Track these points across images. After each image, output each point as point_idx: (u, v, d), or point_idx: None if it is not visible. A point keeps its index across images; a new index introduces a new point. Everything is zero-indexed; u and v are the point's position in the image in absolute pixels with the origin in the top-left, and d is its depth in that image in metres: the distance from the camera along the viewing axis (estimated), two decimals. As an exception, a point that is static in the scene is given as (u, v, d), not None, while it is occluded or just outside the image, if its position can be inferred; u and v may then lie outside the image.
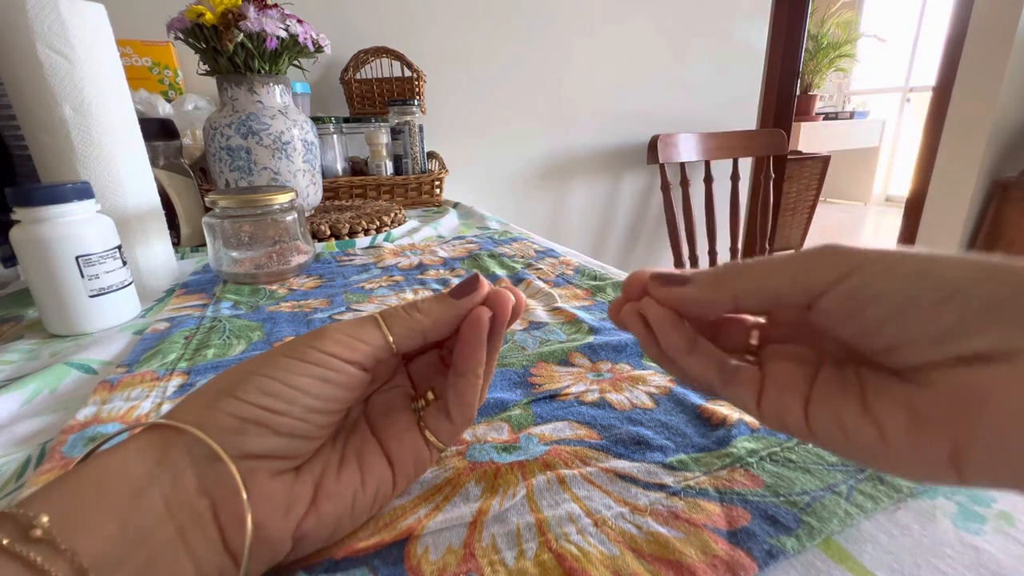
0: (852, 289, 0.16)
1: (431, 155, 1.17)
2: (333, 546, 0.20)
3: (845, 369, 0.19)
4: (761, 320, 0.22)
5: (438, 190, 1.03)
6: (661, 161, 1.39)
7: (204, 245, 0.70)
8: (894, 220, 2.42)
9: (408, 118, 0.98)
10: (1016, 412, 0.13)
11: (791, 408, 0.18)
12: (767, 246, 1.53)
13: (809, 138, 2.89)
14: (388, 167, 1.02)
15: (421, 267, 0.60)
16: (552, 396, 0.31)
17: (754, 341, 0.22)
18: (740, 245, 1.58)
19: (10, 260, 0.54)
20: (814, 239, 2.82)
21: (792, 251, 0.18)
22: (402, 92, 1.13)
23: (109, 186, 0.48)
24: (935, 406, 0.15)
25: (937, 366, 0.15)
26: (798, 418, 0.18)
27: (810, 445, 0.25)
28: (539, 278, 0.53)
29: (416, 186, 1.00)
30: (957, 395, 0.15)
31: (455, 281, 0.54)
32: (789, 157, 2.30)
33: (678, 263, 1.36)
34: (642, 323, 0.21)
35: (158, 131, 0.70)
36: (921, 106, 2.90)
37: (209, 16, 0.59)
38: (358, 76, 1.14)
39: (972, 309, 0.14)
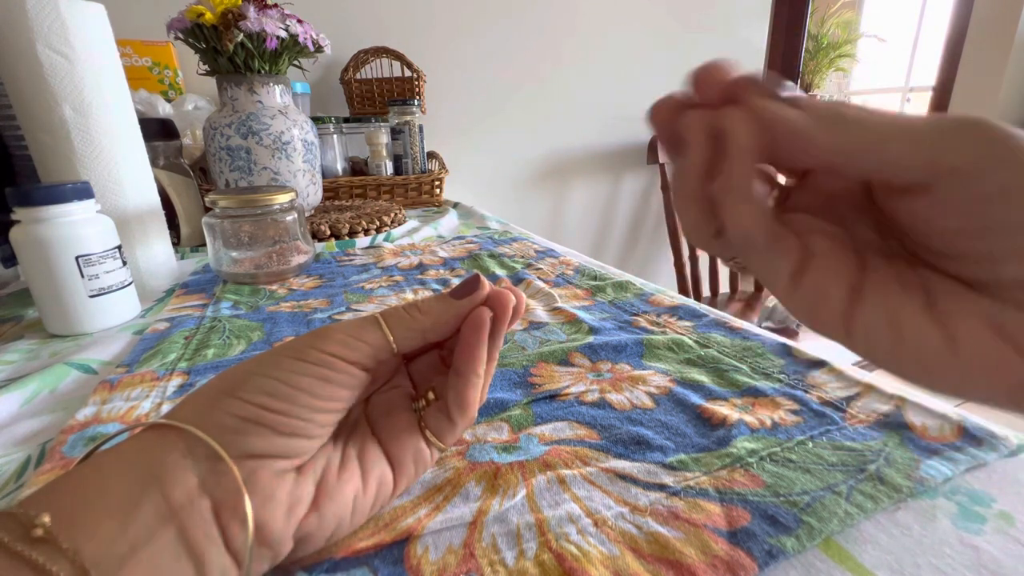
0: (994, 182, 0.13)
1: (431, 155, 1.17)
2: (333, 546, 0.20)
3: (898, 265, 0.16)
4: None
5: (438, 190, 1.03)
6: (661, 161, 1.39)
7: (204, 245, 0.70)
8: (894, 220, 2.42)
9: (408, 118, 0.98)
10: None
11: (833, 295, 0.15)
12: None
13: (809, 138, 2.88)
14: (388, 167, 1.02)
15: (421, 267, 0.60)
16: (552, 396, 0.31)
17: (770, 202, 0.18)
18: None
19: (10, 260, 0.54)
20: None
21: (930, 116, 0.14)
22: (402, 92, 1.14)
23: (109, 186, 0.48)
24: None
25: None
26: (837, 309, 0.15)
27: (810, 445, 0.25)
28: (539, 278, 0.53)
29: (416, 186, 1.00)
30: None
31: (455, 281, 0.54)
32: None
33: (678, 263, 1.36)
34: (709, 139, 0.16)
35: (158, 131, 0.70)
36: (921, 106, 2.90)
37: (209, 16, 0.59)
38: (358, 76, 1.14)
39: None
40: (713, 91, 0.16)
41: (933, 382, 0.15)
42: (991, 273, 0.14)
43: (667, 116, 0.17)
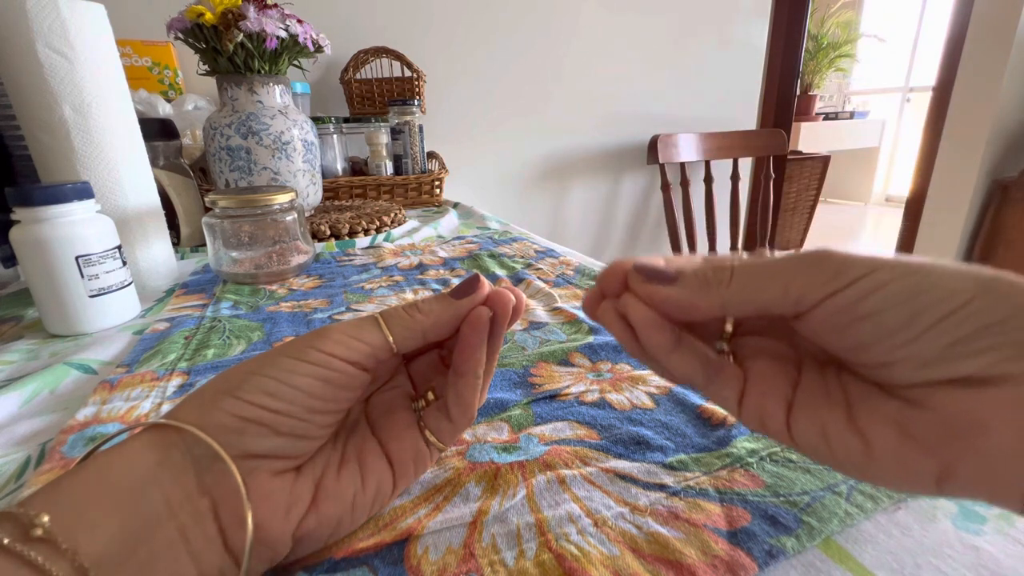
0: (845, 304, 0.15)
1: (431, 155, 1.17)
2: (333, 546, 0.20)
3: (827, 373, 0.18)
4: None
5: (438, 190, 1.03)
6: (661, 161, 1.39)
7: (204, 245, 0.70)
8: (894, 220, 2.42)
9: (408, 118, 0.98)
10: (1011, 439, 0.13)
11: (773, 413, 0.18)
12: (767, 246, 1.53)
13: (809, 138, 2.89)
14: (388, 167, 1.02)
15: (421, 267, 0.60)
16: (552, 396, 0.31)
17: (729, 328, 0.21)
18: (740, 245, 1.58)
19: (10, 260, 0.54)
20: (814, 239, 2.82)
21: (786, 254, 0.17)
22: (402, 92, 1.14)
23: (109, 186, 0.48)
24: (926, 426, 0.15)
25: (929, 386, 0.15)
26: (779, 423, 0.18)
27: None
28: (539, 278, 0.53)
29: (416, 186, 1.00)
30: (950, 418, 0.14)
31: (455, 281, 0.54)
32: (789, 157, 2.30)
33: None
34: (621, 322, 0.19)
35: (158, 131, 0.70)
36: (921, 106, 2.90)
37: (209, 16, 0.59)
38: (358, 76, 1.14)
39: (969, 330, 0.14)
40: (614, 284, 0.20)
41: (863, 479, 0.17)
42: (887, 377, 0.16)
43: (591, 309, 0.21)
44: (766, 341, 0.20)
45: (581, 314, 0.43)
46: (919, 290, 0.14)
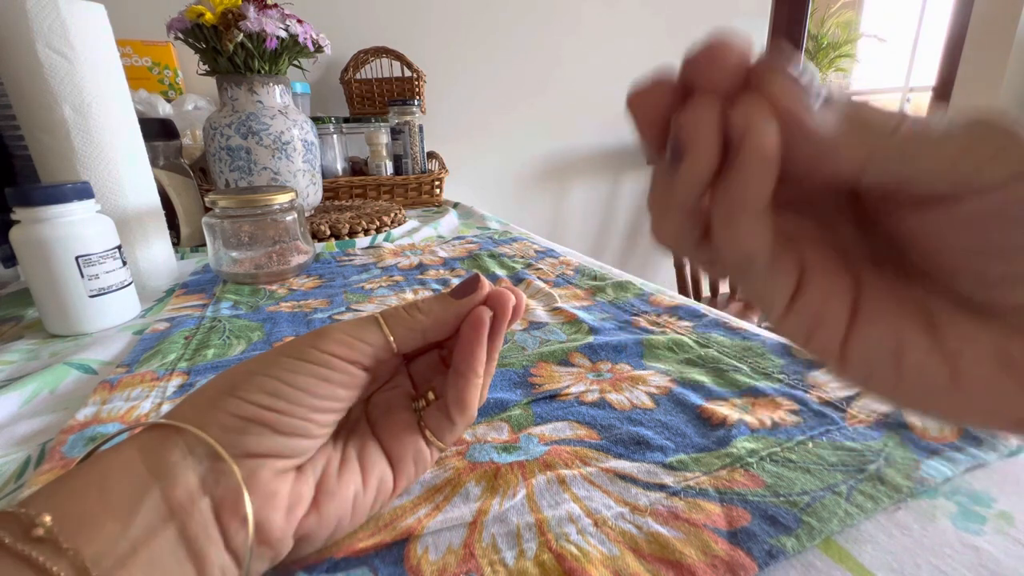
0: None
1: (431, 155, 1.17)
2: (333, 546, 0.20)
3: (894, 281, 0.14)
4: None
5: (438, 190, 1.03)
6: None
7: (204, 245, 0.70)
8: (894, 220, 2.42)
9: (408, 118, 0.98)
10: None
11: (832, 318, 0.14)
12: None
13: (809, 138, 2.88)
14: (388, 167, 1.02)
15: (421, 267, 0.60)
16: (552, 396, 0.31)
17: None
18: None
19: (10, 260, 0.54)
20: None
21: (964, 119, 0.12)
22: (402, 92, 1.14)
23: (109, 186, 0.48)
24: None
25: None
26: (836, 334, 0.14)
27: (810, 445, 0.25)
28: (539, 278, 0.53)
29: (416, 186, 1.00)
30: None
31: (455, 281, 0.54)
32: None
33: (678, 263, 1.36)
34: (716, 142, 0.13)
35: (158, 131, 0.70)
36: (921, 106, 2.90)
37: (209, 16, 0.59)
38: (358, 76, 1.14)
39: None
40: (723, 76, 0.12)
41: (933, 413, 0.14)
42: (1005, 297, 0.13)
43: (657, 108, 0.13)
44: (806, 224, 0.15)
45: (581, 314, 0.43)
46: None
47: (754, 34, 1.60)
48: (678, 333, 0.38)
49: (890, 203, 0.14)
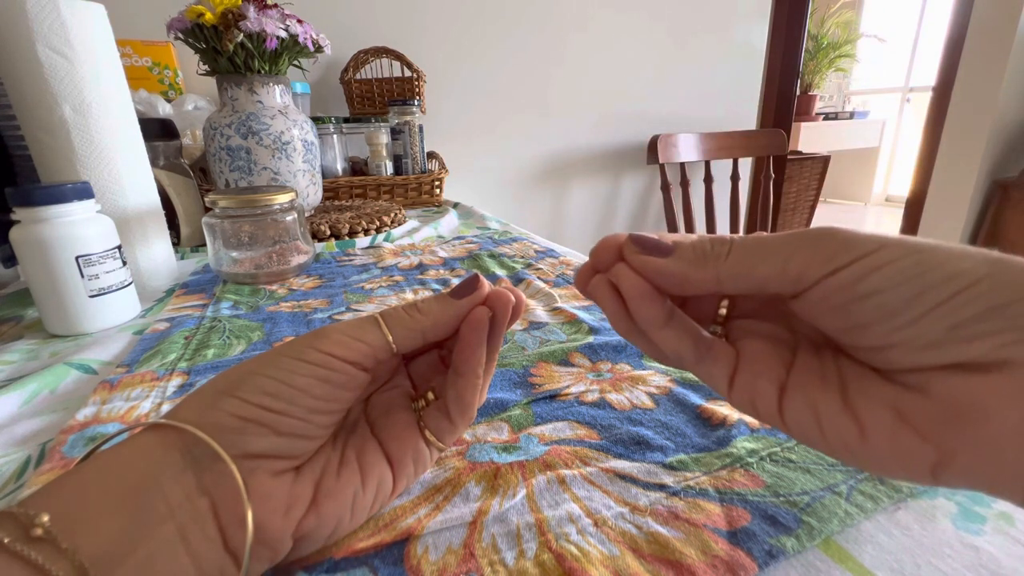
0: (845, 283, 0.15)
1: (431, 155, 1.17)
2: (333, 546, 0.20)
3: (823, 356, 0.18)
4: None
5: (438, 190, 1.03)
6: (661, 161, 1.39)
7: (204, 245, 0.70)
8: (894, 220, 2.42)
9: (408, 118, 0.98)
10: (1012, 427, 0.13)
11: (765, 394, 0.17)
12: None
13: (809, 138, 2.89)
14: (388, 167, 1.02)
15: (421, 267, 0.60)
16: (552, 396, 0.31)
17: (723, 311, 0.20)
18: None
19: (10, 260, 0.54)
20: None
21: (787, 233, 0.16)
22: (402, 92, 1.14)
23: (109, 186, 0.48)
24: (924, 412, 0.14)
25: (929, 370, 0.14)
26: (771, 405, 0.17)
27: (810, 445, 0.25)
28: (539, 278, 0.53)
29: (416, 186, 1.00)
30: (950, 405, 0.14)
31: (455, 281, 0.54)
32: (789, 157, 2.30)
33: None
34: (613, 294, 0.19)
35: (158, 131, 0.70)
36: (921, 106, 2.90)
37: (209, 16, 0.59)
38: (358, 76, 1.14)
39: (974, 312, 0.13)
40: (607, 258, 0.19)
41: (855, 465, 0.17)
42: (885, 361, 0.15)
43: (583, 283, 0.20)
44: (760, 324, 0.19)
45: (581, 314, 0.43)
46: (924, 269, 0.14)
47: (754, 35, 1.60)
48: (678, 333, 0.38)
49: (778, 302, 0.18)
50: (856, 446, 0.15)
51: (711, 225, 1.47)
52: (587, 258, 0.20)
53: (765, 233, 0.17)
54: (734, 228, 1.54)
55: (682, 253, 0.18)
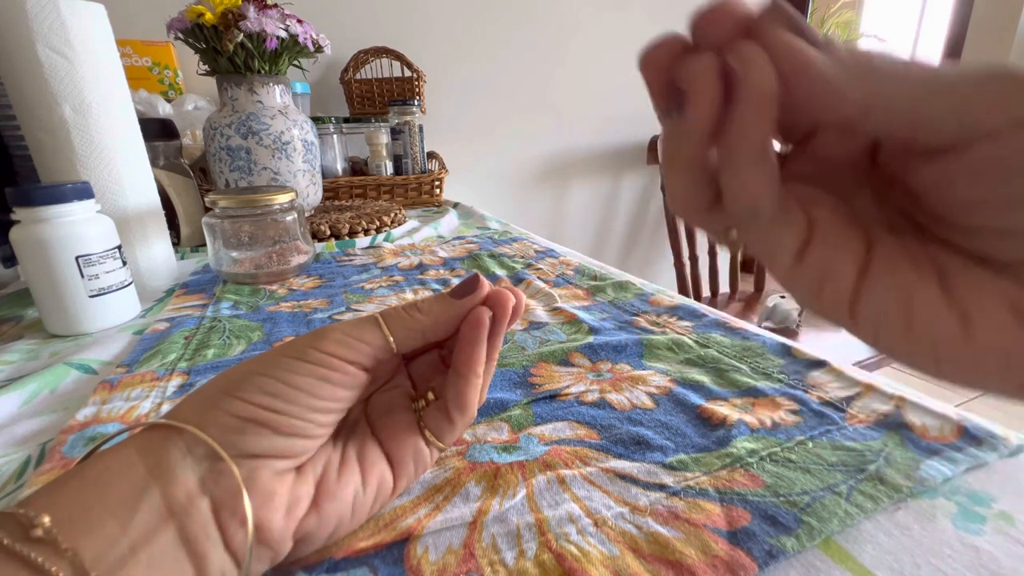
0: None
1: (431, 155, 1.17)
2: (333, 546, 0.20)
3: (909, 242, 0.14)
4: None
5: (438, 190, 1.03)
6: (661, 161, 1.39)
7: (204, 245, 0.70)
8: (894, 220, 2.42)
9: (408, 118, 0.98)
10: None
11: (841, 273, 0.14)
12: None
13: (809, 138, 2.88)
14: (388, 167, 1.02)
15: (421, 267, 0.60)
16: (552, 396, 0.31)
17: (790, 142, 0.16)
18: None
19: (10, 260, 0.54)
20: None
21: (965, 67, 0.12)
22: (402, 92, 1.14)
23: (109, 186, 0.48)
24: None
25: None
26: (845, 288, 0.14)
27: (810, 445, 0.25)
28: (539, 278, 0.53)
29: (416, 186, 1.00)
30: None
31: (455, 281, 0.54)
32: (789, 157, 2.30)
33: (678, 263, 1.36)
34: (718, 90, 0.13)
35: (158, 131, 0.70)
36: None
37: (209, 16, 0.59)
38: (358, 76, 1.14)
39: None
40: (724, 29, 0.13)
41: (943, 370, 0.14)
42: (1017, 250, 0.13)
43: (664, 62, 0.14)
44: (821, 194, 0.15)
45: (581, 314, 0.43)
46: None
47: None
48: (678, 333, 0.38)
49: (900, 158, 0.14)
50: (956, 347, 0.13)
51: (711, 225, 1.47)
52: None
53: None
54: (713, 235, 1.54)
55: (845, 57, 0.13)
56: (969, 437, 0.25)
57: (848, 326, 0.15)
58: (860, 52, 0.13)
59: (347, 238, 0.72)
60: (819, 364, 0.33)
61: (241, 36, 0.60)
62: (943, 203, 0.13)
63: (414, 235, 0.76)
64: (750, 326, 0.39)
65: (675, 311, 0.43)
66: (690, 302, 0.45)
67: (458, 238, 0.75)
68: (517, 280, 0.54)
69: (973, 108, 0.12)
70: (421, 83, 1.14)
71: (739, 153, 0.14)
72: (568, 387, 0.32)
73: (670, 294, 0.47)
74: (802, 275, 0.15)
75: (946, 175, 0.13)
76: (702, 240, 1.52)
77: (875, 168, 0.15)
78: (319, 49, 0.69)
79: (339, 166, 1.02)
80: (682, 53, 0.14)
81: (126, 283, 0.45)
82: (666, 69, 0.14)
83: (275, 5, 0.63)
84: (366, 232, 0.74)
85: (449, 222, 0.85)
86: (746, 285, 1.43)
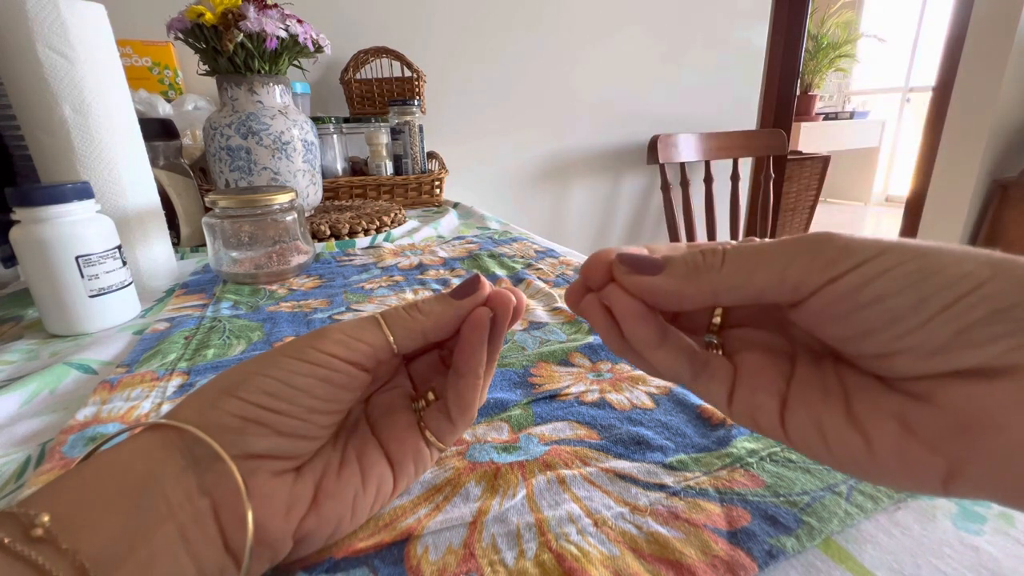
0: (848, 290, 0.14)
1: (431, 155, 1.17)
2: (333, 546, 0.20)
3: (823, 366, 0.17)
4: None
5: (438, 190, 1.03)
6: (661, 161, 1.39)
7: (204, 245, 0.70)
8: (894, 220, 2.42)
9: (408, 118, 0.98)
10: (1022, 436, 0.12)
11: (766, 409, 0.17)
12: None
13: (809, 138, 2.89)
14: (388, 167, 1.02)
15: (421, 267, 0.60)
16: (552, 396, 0.31)
17: (717, 320, 0.20)
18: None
19: (10, 260, 0.54)
20: (814, 239, 2.81)
21: (783, 238, 0.16)
22: (402, 92, 1.13)
23: (109, 186, 0.48)
24: (931, 422, 0.14)
25: (935, 378, 0.14)
26: (772, 420, 0.17)
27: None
28: (539, 278, 0.53)
29: (416, 186, 1.00)
30: (957, 413, 0.13)
31: (455, 281, 0.54)
32: (789, 157, 2.30)
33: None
34: (605, 315, 0.19)
35: (158, 131, 0.70)
36: (921, 106, 2.90)
37: (209, 16, 0.59)
38: (358, 76, 1.14)
39: (980, 315, 0.13)
40: (598, 276, 0.19)
41: (863, 478, 0.16)
42: (889, 369, 0.15)
43: (574, 301, 0.20)
44: (757, 333, 0.19)
45: (581, 314, 0.42)
46: (928, 273, 0.13)
47: (754, 35, 1.60)
48: (678, 333, 0.38)
49: (776, 311, 0.17)
50: (863, 460, 0.15)
51: (711, 225, 1.47)
52: (583, 268, 0.19)
53: (758, 240, 0.17)
54: (734, 227, 1.54)
55: (673, 269, 0.17)
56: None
57: (788, 446, 0.17)
58: (687, 258, 0.17)
59: (347, 238, 0.72)
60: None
61: (241, 36, 0.60)
62: (824, 338, 0.16)
63: (414, 235, 0.76)
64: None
65: (675, 311, 0.43)
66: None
67: (458, 238, 0.75)
68: (517, 280, 0.54)
69: (790, 276, 0.15)
70: (421, 83, 1.14)
71: (639, 347, 0.18)
72: (568, 387, 0.32)
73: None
74: (737, 412, 0.18)
75: (806, 321, 0.16)
76: (702, 240, 1.52)
77: (762, 315, 0.19)
78: (319, 49, 0.69)
79: (339, 166, 1.02)
80: (582, 293, 0.20)
81: (126, 283, 0.45)
82: (576, 304, 0.20)
83: (275, 5, 0.63)
84: (366, 232, 0.74)
85: (449, 222, 0.85)
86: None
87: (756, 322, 0.19)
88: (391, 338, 0.20)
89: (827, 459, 0.16)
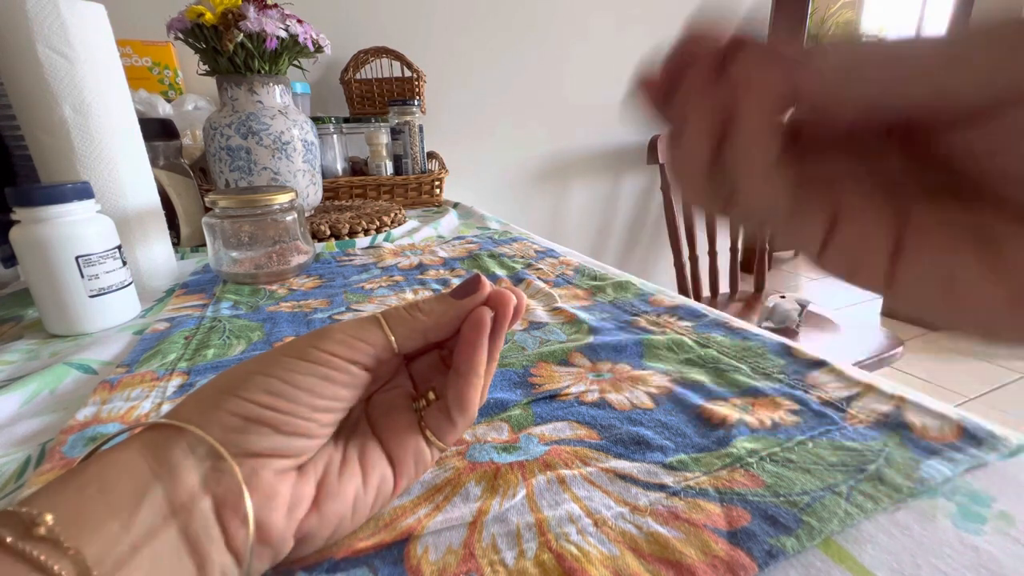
0: None
1: (431, 155, 1.17)
2: (334, 546, 0.20)
3: (944, 203, 0.13)
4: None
5: (438, 190, 1.03)
6: (661, 161, 1.39)
7: (204, 245, 0.70)
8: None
9: (408, 118, 0.98)
10: None
11: (873, 253, 0.14)
12: (767, 247, 1.53)
13: (809, 138, 2.88)
14: (388, 167, 1.02)
15: (421, 267, 0.60)
16: (552, 396, 0.31)
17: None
18: (740, 245, 1.58)
19: (10, 260, 0.54)
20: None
21: (978, 28, 0.11)
22: (402, 92, 1.14)
23: (109, 186, 0.48)
24: None
25: None
26: (878, 268, 0.13)
27: (810, 445, 0.25)
28: (539, 278, 0.53)
29: (416, 186, 1.00)
30: None
31: (455, 281, 0.54)
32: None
33: (678, 263, 1.36)
34: (719, 101, 0.13)
35: (158, 131, 0.70)
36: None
37: (209, 16, 0.59)
38: (358, 76, 1.14)
39: None
40: (711, 51, 0.13)
41: (995, 336, 0.13)
42: None
43: (665, 78, 0.14)
44: (846, 162, 0.14)
45: (581, 314, 0.43)
46: None
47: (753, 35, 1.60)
48: (678, 333, 0.38)
49: (930, 130, 0.13)
50: (1006, 314, 0.12)
51: (711, 225, 1.47)
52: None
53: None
54: (734, 227, 1.54)
55: (827, 61, 0.12)
56: (969, 437, 0.25)
57: (888, 299, 0.14)
58: (845, 54, 0.12)
59: (347, 238, 0.72)
60: (819, 364, 0.33)
61: (241, 36, 0.60)
62: (984, 170, 0.12)
63: (414, 235, 0.76)
64: (750, 326, 0.39)
65: (675, 311, 0.43)
66: (690, 302, 0.45)
67: (458, 238, 0.75)
68: (517, 280, 0.54)
69: (998, 73, 0.11)
70: (421, 83, 1.14)
71: (746, 161, 0.13)
72: (568, 387, 0.32)
73: (670, 294, 0.47)
74: (832, 261, 0.14)
75: (982, 143, 0.12)
76: (702, 240, 1.52)
77: (905, 138, 0.14)
78: (319, 49, 0.69)
79: (339, 166, 1.02)
80: (681, 68, 0.14)
81: (126, 283, 0.45)
82: (667, 83, 0.14)
83: (275, 5, 0.63)
84: (366, 232, 0.74)
85: (449, 222, 0.85)
86: (746, 285, 1.43)
87: (846, 144, 0.15)
88: (392, 338, 0.20)
89: (946, 312, 0.13)
